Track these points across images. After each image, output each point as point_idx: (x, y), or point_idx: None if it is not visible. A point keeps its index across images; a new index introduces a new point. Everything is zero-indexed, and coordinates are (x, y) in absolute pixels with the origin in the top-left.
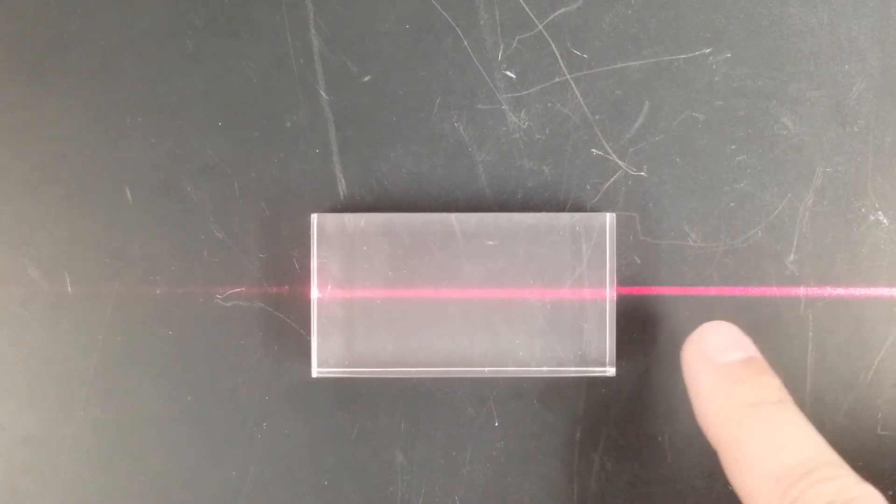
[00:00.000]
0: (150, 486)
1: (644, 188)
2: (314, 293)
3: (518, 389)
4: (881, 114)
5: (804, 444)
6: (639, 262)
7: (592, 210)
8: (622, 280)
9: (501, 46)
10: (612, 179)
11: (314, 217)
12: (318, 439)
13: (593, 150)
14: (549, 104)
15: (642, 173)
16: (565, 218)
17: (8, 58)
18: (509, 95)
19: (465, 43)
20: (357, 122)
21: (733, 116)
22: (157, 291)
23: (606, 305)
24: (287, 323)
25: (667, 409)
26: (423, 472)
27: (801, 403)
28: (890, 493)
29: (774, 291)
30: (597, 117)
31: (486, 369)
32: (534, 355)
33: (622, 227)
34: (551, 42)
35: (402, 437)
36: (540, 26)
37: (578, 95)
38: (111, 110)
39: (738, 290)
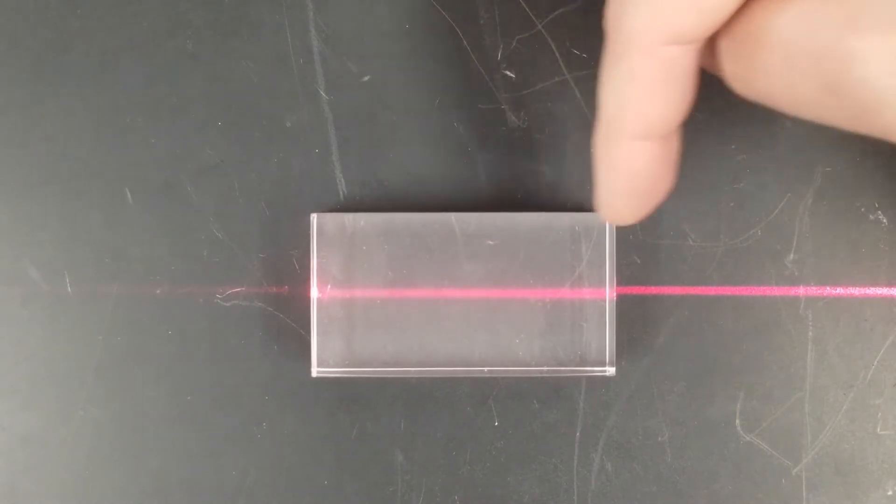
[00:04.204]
0: (150, 486)
1: None
2: (314, 293)
3: (518, 389)
4: None
5: None
6: (639, 261)
7: (592, 210)
8: (622, 280)
9: (501, 46)
10: None
11: (314, 217)
12: (318, 439)
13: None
14: (549, 104)
15: None
16: (565, 218)
17: (8, 58)
18: (509, 95)
19: (465, 43)
20: (357, 122)
21: (733, 116)
22: (157, 291)
23: (606, 305)
24: (287, 323)
25: (667, 409)
26: (423, 472)
27: (801, 403)
28: (890, 493)
29: (774, 291)
30: None
31: (486, 369)
32: (534, 355)
33: (622, 227)
34: (551, 42)
35: (402, 437)
36: (539, 26)
37: (578, 95)
38: (111, 110)
39: (737, 290)
